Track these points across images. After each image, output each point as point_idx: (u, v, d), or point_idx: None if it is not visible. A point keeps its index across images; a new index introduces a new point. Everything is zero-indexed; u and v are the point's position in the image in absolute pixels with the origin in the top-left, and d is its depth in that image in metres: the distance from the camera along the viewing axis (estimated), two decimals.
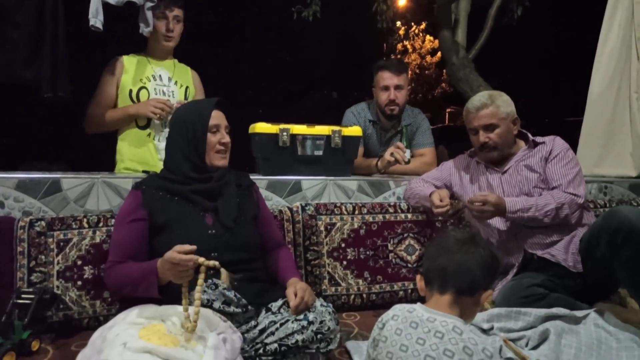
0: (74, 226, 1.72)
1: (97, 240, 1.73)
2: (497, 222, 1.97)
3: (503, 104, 1.96)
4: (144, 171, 2.15)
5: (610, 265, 1.66)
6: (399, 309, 1.13)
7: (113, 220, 1.77)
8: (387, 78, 2.53)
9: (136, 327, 1.23)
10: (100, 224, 1.76)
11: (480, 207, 1.81)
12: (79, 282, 1.68)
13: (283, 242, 1.86)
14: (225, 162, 1.64)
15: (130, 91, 2.26)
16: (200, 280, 1.27)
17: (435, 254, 1.14)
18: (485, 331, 1.63)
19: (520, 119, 2.02)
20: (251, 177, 1.84)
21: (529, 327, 1.62)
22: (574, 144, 2.81)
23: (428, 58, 17.33)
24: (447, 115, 17.47)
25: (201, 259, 1.27)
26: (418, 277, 1.19)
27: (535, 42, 11.71)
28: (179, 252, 1.28)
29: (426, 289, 1.15)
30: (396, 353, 1.05)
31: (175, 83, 2.37)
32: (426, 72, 17.79)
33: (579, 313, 1.66)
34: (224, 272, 1.45)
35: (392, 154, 2.33)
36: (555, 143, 1.99)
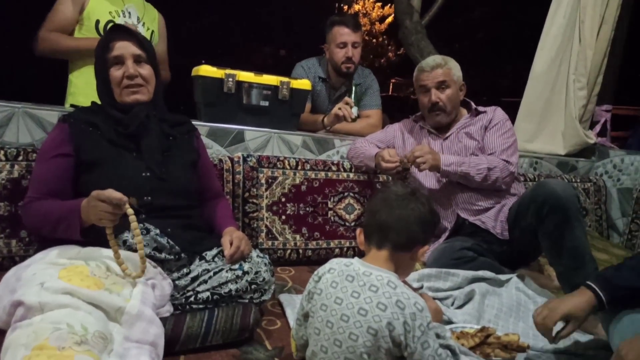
0: None
1: (15, 174, 1.58)
2: (434, 186, 2.02)
3: (454, 67, 2.01)
4: (72, 105, 1.97)
5: (535, 234, 1.75)
6: (335, 263, 1.12)
7: (35, 155, 1.62)
8: (345, 34, 2.47)
9: (56, 267, 1.14)
10: (20, 158, 1.61)
11: (419, 154, 1.84)
12: None
13: (222, 193, 1.79)
14: (138, 96, 1.44)
15: (97, 22, 2.03)
16: (134, 223, 1.18)
17: (375, 208, 1.12)
18: (415, 290, 1.68)
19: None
20: (193, 122, 1.73)
21: (456, 288, 1.69)
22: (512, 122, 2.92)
23: (377, 25, 17.27)
24: (391, 86, 17.65)
25: (129, 207, 1.18)
26: (358, 230, 1.18)
27: (485, 18, 11.98)
28: (109, 193, 1.18)
29: (365, 243, 1.14)
30: (330, 305, 1.04)
31: (144, 25, 2.17)
32: (374, 40, 17.77)
33: (502, 277, 1.75)
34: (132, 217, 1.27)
35: (340, 109, 2.29)
36: (495, 113, 2.05)
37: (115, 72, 1.43)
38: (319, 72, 2.60)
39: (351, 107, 2.31)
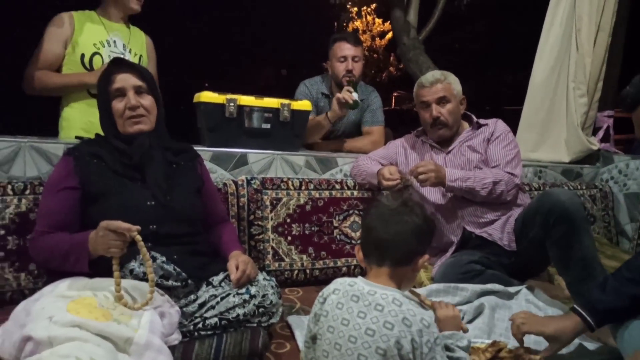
0: None
1: (23, 208, 1.60)
2: (439, 200, 2.02)
3: (454, 81, 2.02)
4: (77, 137, 1.99)
5: (542, 245, 1.74)
6: (340, 283, 1.12)
7: (41, 188, 1.64)
8: (345, 49, 2.52)
9: (64, 300, 1.15)
10: (27, 192, 1.63)
11: (422, 170, 1.84)
12: (2, 253, 1.55)
13: (226, 217, 1.81)
14: (141, 127, 1.48)
15: (83, 56, 2.06)
16: (143, 249, 1.21)
17: (370, 225, 1.12)
18: (423, 302, 1.67)
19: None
20: (195, 148, 1.75)
21: (466, 302, 1.68)
22: (512, 131, 2.92)
23: (377, 41, 17.45)
24: (393, 99, 17.75)
25: (137, 234, 1.21)
26: (357, 248, 1.17)
27: (482, 30, 12.06)
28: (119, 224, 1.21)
29: (365, 260, 1.14)
30: (338, 327, 1.04)
31: (130, 51, 2.19)
32: (375, 55, 17.93)
33: (511, 289, 1.74)
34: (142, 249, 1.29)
35: (340, 95, 2.30)
36: (497, 125, 2.06)
37: (118, 104, 1.46)
38: (322, 88, 2.62)
39: (351, 93, 2.33)
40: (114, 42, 2.14)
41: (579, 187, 2.69)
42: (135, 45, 2.22)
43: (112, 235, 1.21)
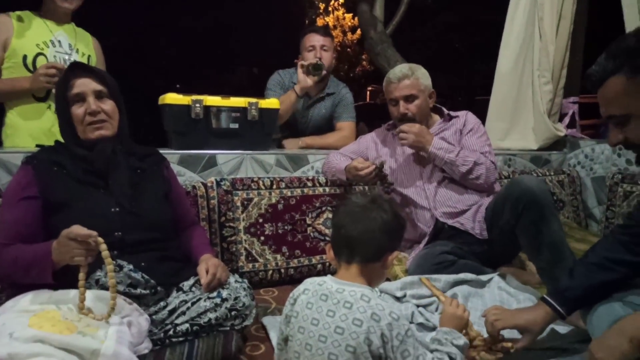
0: None
1: None
2: (412, 192, 2.03)
3: (422, 76, 2.02)
4: (37, 145, 1.93)
5: (513, 232, 1.76)
6: (309, 283, 1.11)
7: (0, 200, 1.59)
8: (314, 40, 2.56)
9: (27, 314, 1.11)
10: None
11: (405, 129, 1.87)
12: None
13: (196, 221, 1.78)
14: (102, 132, 1.43)
15: (25, 57, 1.97)
16: (108, 259, 1.17)
17: (339, 223, 1.11)
18: (398, 299, 1.68)
19: (437, 96, 2.08)
20: (163, 152, 1.70)
21: None
22: (483, 121, 2.96)
23: (349, 35, 17.49)
24: (368, 94, 17.82)
25: (100, 239, 1.17)
26: (327, 246, 1.17)
27: (452, 21, 12.18)
28: (79, 230, 1.17)
29: (335, 258, 1.13)
30: (308, 327, 1.03)
31: (77, 51, 2.12)
32: (347, 49, 17.97)
33: (484, 277, 1.76)
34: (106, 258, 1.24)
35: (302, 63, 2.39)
36: (467, 117, 2.09)
37: (77, 110, 1.41)
38: (294, 79, 2.61)
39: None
40: (59, 41, 2.07)
41: (547, 173, 2.74)
42: (82, 45, 2.16)
43: (73, 244, 1.17)
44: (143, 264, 1.36)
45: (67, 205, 1.36)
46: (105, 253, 1.17)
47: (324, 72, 2.47)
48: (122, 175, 1.44)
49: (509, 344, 1.32)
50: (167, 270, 1.43)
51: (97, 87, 1.43)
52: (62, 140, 1.49)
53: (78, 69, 1.46)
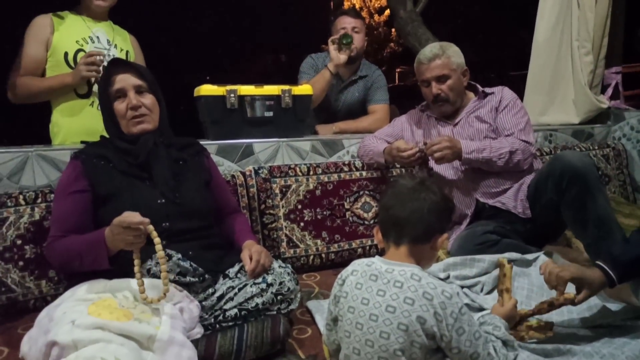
0: (9, 204, 1.61)
1: (37, 217, 1.62)
2: (451, 174, 2.00)
3: (454, 54, 1.97)
4: (82, 142, 1.99)
5: (557, 209, 1.72)
6: (357, 264, 1.12)
7: (52, 196, 1.66)
8: (345, 22, 2.55)
9: (85, 303, 1.16)
10: (39, 200, 1.65)
11: (437, 147, 1.81)
12: (21, 263, 1.58)
13: (238, 208, 1.81)
14: (144, 126, 1.48)
15: (66, 54, 2.02)
16: (158, 246, 1.20)
17: (388, 204, 1.12)
18: (442, 280, 1.66)
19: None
20: (201, 142, 1.74)
21: (484, 273, 1.67)
22: (520, 96, 2.87)
23: (376, 17, 17.20)
24: (397, 75, 17.55)
25: (150, 226, 1.21)
26: (375, 229, 1.17)
27: None
28: (131, 217, 1.21)
29: (383, 240, 1.14)
30: (358, 307, 1.04)
31: (115, 46, 2.16)
32: (375, 32, 17.69)
33: (529, 256, 1.72)
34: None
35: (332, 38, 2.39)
36: (504, 93, 2.02)
37: (119, 105, 1.47)
38: (327, 61, 2.59)
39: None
40: (97, 37, 2.11)
41: (590, 147, 2.65)
42: (120, 40, 2.20)
43: (128, 231, 1.21)
44: (190, 252, 1.40)
45: (115, 197, 1.41)
46: (156, 240, 1.21)
47: (354, 47, 2.44)
48: (164, 167, 1.48)
49: (571, 295, 1.29)
50: (212, 257, 1.47)
51: (137, 82, 1.48)
52: (106, 135, 1.54)
53: (118, 65, 1.51)
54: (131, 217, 1.20)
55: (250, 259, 1.43)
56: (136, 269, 1.22)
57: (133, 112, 1.46)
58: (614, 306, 1.48)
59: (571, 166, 1.64)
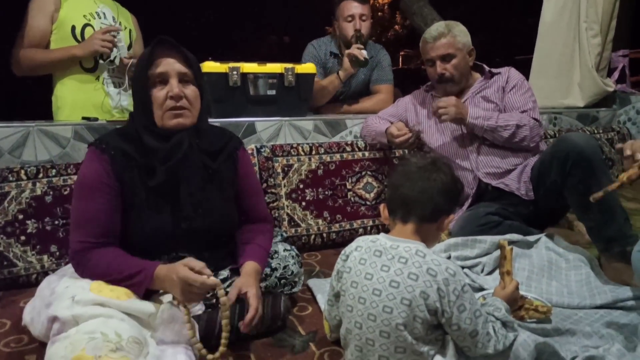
0: (11, 178, 1.61)
1: (38, 192, 1.62)
2: (453, 154, 1.99)
3: (460, 33, 1.94)
4: (84, 117, 1.98)
5: (560, 192, 1.71)
6: (362, 240, 1.12)
7: (54, 171, 1.66)
8: (352, 7, 2.46)
9: (87, 279, 1.16)
10: (40, 175, 1.65)
11: (442, 104, 1.82)
12: (22, 237, 1.58)
13: (267, 217, 1.52)
14: (181, 120, 1.25)
15: (73, 28, 2.00)
16: (223, 299, 1.13)
17: (397, 182, 1.11)
18: None
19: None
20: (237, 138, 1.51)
21: (485, 254, 1.67)
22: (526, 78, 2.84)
23: None
24: (400, 58, 17.38)
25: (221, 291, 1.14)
26: (382, 206, 1.17)
27: None
28: (191, 269, 1.11)
29: (389, 217, 1.14)
30: (361, 282, 1.04)
31: (120, 24, 2.15)
32: (379, 14, 17.47)
33: (531, 238, 1.72)
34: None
35: (350, 52, 2.28)
36: (510, 73, 2.00)
37: (158, 92, 1.24)
38: (330, 48, 2.56)
39: (360, 50, 2.29)
40: (104, 14, 2.10)
41: (595, 131, 2.63)
42: (124, 19, 2.19)
43: (195, 288, 1.10)
44: (205, 254, 1.29)
45: (133, 212, 1.26)
46: (223, 299, 1.13)
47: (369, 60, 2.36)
48: (192, 184, 1.29)
49: (545, 308, 1.32)
50: (227, 263, 1.38)
51: (182, 69, 1.26)
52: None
53: (164, 45, 1.26)
54: (205, 279, 1.09)
55: (245, 299, 1.22)
56: (185, 318, 1.12)
57: (173, 102, 1.24)
58: (613, 287, 1.48)
59: (576, 148, 1.63)
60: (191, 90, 1.28)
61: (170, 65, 1.25)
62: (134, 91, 1.32)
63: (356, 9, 2.45)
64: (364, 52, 2.27)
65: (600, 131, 2.64)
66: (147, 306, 1.11)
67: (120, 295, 1.11)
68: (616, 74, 2.89)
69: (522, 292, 1.39)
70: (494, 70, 2.03)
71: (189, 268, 1.11)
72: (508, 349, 1.06)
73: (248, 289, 1.21)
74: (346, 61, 2.31)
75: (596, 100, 2.79)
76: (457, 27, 1.95)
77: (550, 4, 2.78)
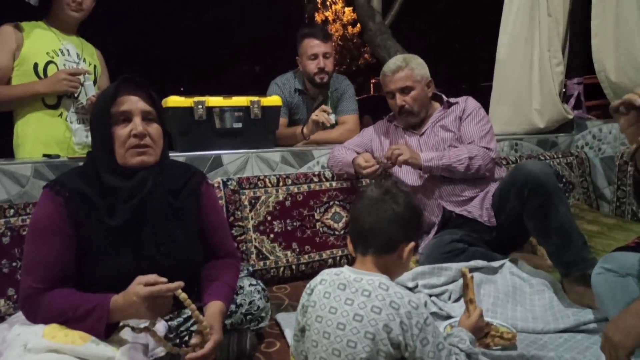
0: None
1: None
2: (417, 183, 2.02)
3: (417, 66, 2.00)
4: (44, 155, 1.94)
5: (521, 217, 1.75)
6: (326, 273, 1.12)
7: (12, 211, 1.62)
8: (314, 46, 2.47)
9: (41, 325, 1.12)
10: None
11: (395, 147, 1.86)
12: None
13: (232, 252, 1.51)
14: (144, 158, 1.24)
15: (36, 65, 1.98)
16: (188, 302, 1.12)
17: (354, 215, 1.13)
18: (411, 289, 1.68)
19: (440, 85, 2.06)
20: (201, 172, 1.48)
21: (451, 281, 1.69)
22: (488, 106, 2.93)
23: (350, 29, 17.41)
24: (372, 86, 17.75)
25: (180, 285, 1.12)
26: (348, 239, 1.18)
27: (451, 9, 12.02)
28: (147, 284, 1.10)
29: (354, 250, 1.15)
30: (325, 316, 1.04)
31: (84, 60, 2.15)
32: (349, 43, 17.88)
33: (495, 264, 1.75)
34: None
35: (317, 115, 2.29)
36: (467, 102, 2.07)
37: (121, 130, 1.23)
38: (295, 84, 2.59)
39: (328, 114, 2.32)
40: (67, 50, 2.09)
41: (555, 156, 2.72)
42: (88, 55, 2.18)
43: (159, 300, 1.10)
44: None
45: (94, 251, 1.22)
46: (188, 303, 1.12)
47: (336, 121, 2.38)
48: (156, 225, 1.26)
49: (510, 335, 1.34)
50: (192, 300, 1.27)
51: (146, 107, 1.26)
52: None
53: (129, 84, 1.27)
54: (167, 285, 1.08)
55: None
56: (156, 338, 1.14)
57: (136, 140, 1.23)
58: (577, 311, 1.51)
59: (533, 176, 1.68)
60: (154, 129, 1.27)
61: (133, 103, 1.25)
62: (93, 129, 1.30)
63: (319, 47, 2.46)
64: (332, 118, 2.31)
65: (560, 156, 2.73)
66: (104, 350, 1.08)
67: (76, 340, 1.07)
68: (572, 101, 3.00)
69: (488, 319, 1.41)
70: (452, 100, 2.09)
71: (144, 284, 1.10)
72: None
73: (212, 333, 1.18)
74: (311, 124, 2.33)
75: (555, 126, 2.89)
76: (414, 60, 2.02)
77: (506, 35, 2.90)
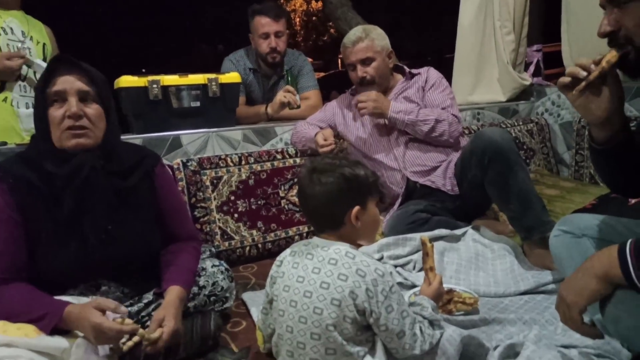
0: None
1: None
2: (381, 156, 2.02)
3: (377, 37, 1.98)
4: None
5: (482, 185, 1.77)
6: (296, 245, 1.13)
7: None
8: (265, 25, 2.40)
9: None
10: None
11: (362, 98, 1.88)
12: None
13: (194, 234, 1.48)
14: (80, 141, 1.19)
15: None
16: (140, 331, 1.10)
17: (298, 201, 1.15)
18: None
19: (406, 58, 2.05)
20: (124, 137, 1.53)
21: (415, 252, 1.70)
22: (451, 77, 2.95)
23: (313, 3, 17.16)
24: (339, 61, 17.63)
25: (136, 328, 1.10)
26: None
27: None
28: (104, 310, 1.06)
29: None
30: (293, 285, 1.04)
31: (31, 38, 2.02)
32: (313, 18, 17.65)
33: (457, 231, 1.78)
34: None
35: (284, 96, 2.25)
36: (429, 73, 2.07)
37: (55, 112, 1.18)
38: (248, 63, 2.53)
39: (294, 95, 2.28)
40: (11, 29, 1.97)
41: (516, 123, 2.76)
42: (35, 32, 2.06)
43: (107, 333, 1.05)
44: (126, 290, 1.28)
45: (43, 243, 1.18)
46: (141, 333, 1.11)
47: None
48: (99, 208, 1.21)
49: (472, 300, 1.36)
50: (152, 286, 1.30)
51: (83, 87, 1.21)
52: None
53: (63, 64, 1.22)
54: (119, 327, 1.06)
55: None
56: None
57: (71, 122, 1.18)
58: (537, 273, 1.55)
59: (492, 143, 1.69)
60: (93, 109, 1.22)
61: (69, 83, 1.19)
62: (34, 112, 1.24)
63: (270, 26, 2.39)
64: (298, 99, 2.27)
65: (521, 123, 2.77)
66: (59, 342, 1.04)
67: (29, 333, 1.03)
68: (532, 68, 3.04)
69: (451, 285, 1.43)
70: (414, 71, 2.08)
71: (100, 309, 1.06)
72: (435, 346, 1.07)
73: (166, 323, 1.16)
74: (276, 103, 2.28)
75: (516, 94, 2.93)
76: (374, 30, 2.00)
77: (467, 5, 2.90)
